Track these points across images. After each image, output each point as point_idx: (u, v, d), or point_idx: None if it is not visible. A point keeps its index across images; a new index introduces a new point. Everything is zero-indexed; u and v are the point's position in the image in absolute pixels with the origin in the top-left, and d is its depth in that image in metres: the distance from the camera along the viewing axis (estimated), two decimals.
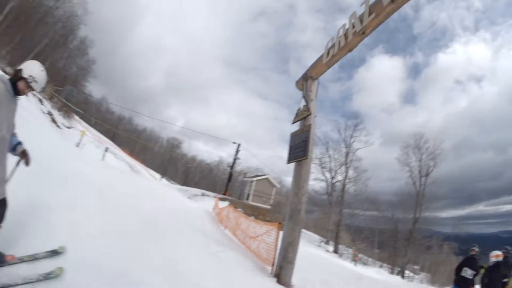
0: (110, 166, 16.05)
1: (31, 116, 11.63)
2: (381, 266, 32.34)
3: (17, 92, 2.82)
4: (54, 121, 27.50)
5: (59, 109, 37.81)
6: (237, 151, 33.00)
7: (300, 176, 6.47)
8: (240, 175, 41.11)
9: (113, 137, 65.27)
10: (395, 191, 38.47)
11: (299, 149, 6.56)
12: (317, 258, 14.85)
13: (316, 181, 37.24)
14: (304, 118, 6.74)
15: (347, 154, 36.53)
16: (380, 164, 71.77)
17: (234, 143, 33.74)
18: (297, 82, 7.47)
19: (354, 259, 26.87)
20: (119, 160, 37.42)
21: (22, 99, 3.14)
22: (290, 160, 6.89)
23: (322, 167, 36.83)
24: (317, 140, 35.36)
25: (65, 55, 52.69)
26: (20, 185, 3.60)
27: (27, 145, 3.10)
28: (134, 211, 6.68)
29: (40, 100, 28.34)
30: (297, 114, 6.98)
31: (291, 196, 6.70)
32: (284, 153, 7.18)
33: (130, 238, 4.81)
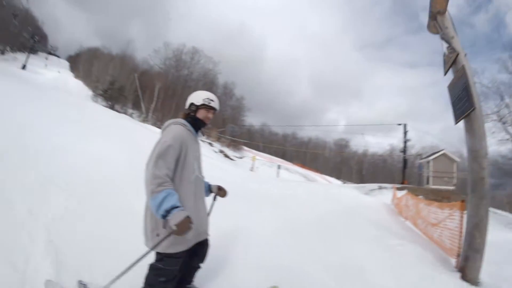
0: (284, 180, 17.34)
1: (207, 157, 14.49)
2: None
3: (197, 128, 2.67)
4: (226, 156, 32.16)
5: (228, 146, 45.70)
6: (405, 133, 29.67)
7: (473, 135, 4.94)
8: (416, 158, 37.02)
9: (283, 155, 71.90)
10: None
11: (462, 101, 5.11)
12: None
13: (500, 144, 27.69)
14: (454, 62, 5.26)
15: None
16: None
17: (399, 124, 30.51)
18: (428, 27, 6.03)
19: None
20: (292, 174, 40.18)
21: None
22: (457, 118, 5.38)
23: (503, 123, 26.76)
24: (486, 90, 27.05)
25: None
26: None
27: (211, 178, 3.22)
28: (307, 215, 7.36)
29: (210, 144, 34.45)
30: (444, 62, 5.57)
31: (468, 163, 5.18)
32: None
33: (301, 239, 5.33)
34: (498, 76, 28.84)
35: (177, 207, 2.10)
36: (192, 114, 2.63)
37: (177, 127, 2.49)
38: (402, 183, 27.68)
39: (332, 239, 5.58)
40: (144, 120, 37.76)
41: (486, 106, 26.21)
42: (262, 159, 43.03)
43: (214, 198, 3.13)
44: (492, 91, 26.98)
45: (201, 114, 2.64)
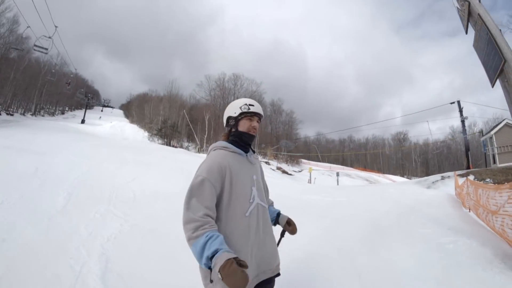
0: (342, 187, 17.02)
1: (267, 175, 14.36)
2: None
3: (244, 145, 2.11)
4: (284, 172, 32.57)
5: (286, 162, 46.23)
6: (460, 111, 26.71)
7: None
8: (480, 136, 33.34)
9: (342, 161, 70.81)
10: None
11: (491, 58, 4.39)
12: None
13: None
14: (469, 13, 4.71)
15: None
16: None
17: (452, 103, 27.60)
18: None
19: None
20: (354, 179, 39.27)
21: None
22: (491, 79, 4.73)
23: None
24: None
25: (267, 123, 67.56)
26: None
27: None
28: (359, 218, 7.11)
29: (267, 162, 35.19)
30: (461, 18, 5.17)
31: None
32: None
33: (342, 242, 5.16)
34: None
35: (220, 249, 1.60)
36: (233, 130, 2.13)
37: (215, 153, 2.02)
38: (468, 167, 25.15)
39: (381, 242, 5.25)
40: (199, 151, 39.56)
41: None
42: (322, 168, 42.66)
43: (282, 235, 2.45)
44: None
45: (243, 126, 2.10)
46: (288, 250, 3.67)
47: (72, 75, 39.12)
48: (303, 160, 57.99)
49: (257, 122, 2.14)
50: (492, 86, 4.92)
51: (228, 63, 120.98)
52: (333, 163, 64.00)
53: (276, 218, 2.41)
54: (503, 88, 4.51)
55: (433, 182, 20.65)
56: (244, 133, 2.09)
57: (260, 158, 45.12)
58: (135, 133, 45.90)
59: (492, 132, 25.06)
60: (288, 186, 13.12)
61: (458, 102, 27.41)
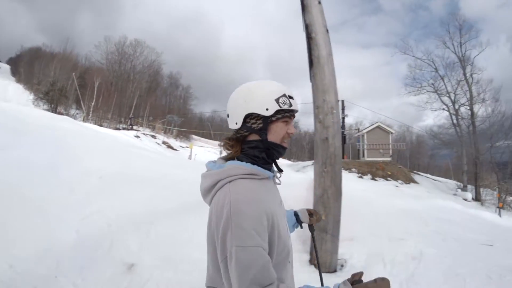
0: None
1: (150, 151, 15.34)
2: None
3: (271, 162, 1.29)
4: (170, 147, 32.40)
5: (175, 137, 45.77)
6: (343, 109, 30.55)
7: (317, 88, 4.06)
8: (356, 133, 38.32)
9: None
10: None
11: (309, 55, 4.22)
12: (437, 211, 11.19)
13: (436, 114, 30.39)
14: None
15: (463, 68, 27.76)
16: None
17: (338, 101, 31.81)
18: None
19: (498, 207, 19.13)
20: None
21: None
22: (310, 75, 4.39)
23: (438, 94, 29.23)
24: (420, 63, 29.93)
25: (160, 94, 65.36)
26: None
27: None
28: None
29: (153, 136, 34.47)
30: None
31: (314, 124, 4.26)
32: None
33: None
34: (436, 51, 31.41)
35: None
36: (257, 138, 1.23)
37: (243, 189, 1.12)
38: (343, 157, 28.46)
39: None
40: (85, 119, 37.00)
41: (422, 79, 30.42)
42: (210, 146, 43.57)
43: (312, 230, 1.94)
44: (426, 63, 29.65)
45: (276, 133, 1.22)
46: None
47: None
48: (195, 137, 57.96)
49: (293, 116, 1.27)
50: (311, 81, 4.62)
51: (139, 24, 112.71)
52: None
53: (297, 219, 1.82)
54: (312, 82, 4.40)
55: (303, 167, 22.77)
56: (277, 145, 1.23)
57: (147, 131, 43.96)
58: (19, 95, 40.61)
59: (364, 131, 29.22)
60: (162, 160, 13.05)
61: (342, 101, 31.01)
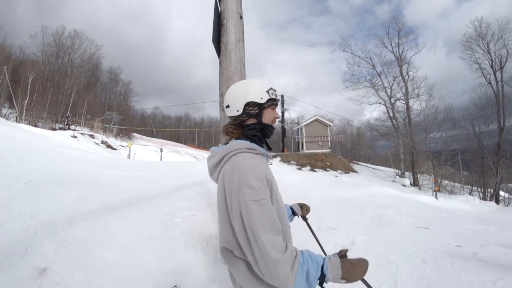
0: (165, 163, 17.11)
1: (86, 152, 15.44)
2: (470, 193, 26.10)
3: (264, 141, 1.64)
4: (109, 146, 31.09)
5: (116, 135, 43.67)
6: (282, 103, 31.94)
7: (221, 75, 3.86)
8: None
9: (177, 138, 70.78)
10: (474, 101, 31.35)
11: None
12: (375, 198, 11.91)
13: (374, 108, 35.37)
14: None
15: (400, 66, 31.19)
16: (452, 76, 64.82)
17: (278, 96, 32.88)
18: None
19: (434, 190, 20.79)
20: (181, 155, 39.89)
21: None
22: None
23: (376, 89, 32.02)
24: (358, 60, 32.79)
25: (99, 91, 61.74)
26: None
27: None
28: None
29: (91, 136, 32.93)
30: None
31: (219, 113, 3.97)
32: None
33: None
34: (374, 49, 36.28)
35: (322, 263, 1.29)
36: (254, 121, 1.59)
37: (248, 158, 1.42)
38: (283, 151, 30.01)
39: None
40: (17, 120, 34.21)
41: (360, 75, 33.39)
42: (152, 144, 42.43)
43: (305, 220, 2.37)
44: (365, 60, 32.74)
45: (268, 117, 1.62)
46: None
47: None
48: (136, 135, 56.07)
49: (276, 105, 1.69)
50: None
51: (80, 12, 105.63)
52: (168, 139, 63.99)
53: (292, 212, 2.24)
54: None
55: None
56: (269, 126, 1.62)
57: (86, 130, 41.89)
58: None
59: (303, 124, 30.56)
60: (92, 159, 12.58)
61: (282, 96, 32.51)
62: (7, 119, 28.39)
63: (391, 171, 32.38)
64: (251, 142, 1.50)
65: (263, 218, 1.25)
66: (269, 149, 1.71)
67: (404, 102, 31.22)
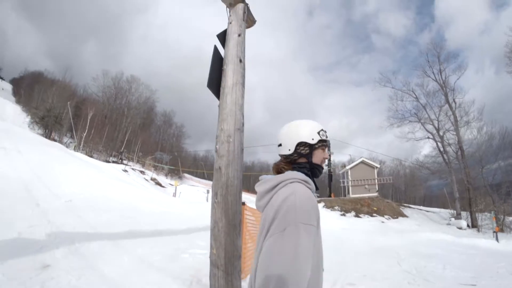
0: (208, 204, 17.75)
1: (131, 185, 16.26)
2: None
3: (317, 177, 1.57)
4: (158, 183, 32.22)
5: (166, 174, 45.52)
6: (328, 147, 30.31)
7: (218, 119, 3.80)
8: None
9: None
10: None
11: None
12: (421, 246, 10.40)
13: (422, 143, 29.81)
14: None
15: (445, 94, 27.40)
16: (505, 95, 59.20)
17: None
18: None
19: (495, 231, 16.96)
20: None
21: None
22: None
23: (422, 122, 28.31)
24: (401, 93, 29.74)
25: (153, 131, 65.89)
26: None
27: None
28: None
29: (142, 172, 34.54)
30: None
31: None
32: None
33: None
34: (416, 80, 31.21)
35: None
36: (304, 161, 1.54)
37: (304, 188, 1.33)
38: (329, 196, 28.27)
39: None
40: (76, 149, 37.07)
41: (404, 110, 29.69)
42: (201, 185, 43.23)
43: None
44: (407, 93, 29.42)
45: (318, 158, 1.56)
46: None
47: None
48: (187, 175, 57.68)
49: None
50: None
51: (139, 59, 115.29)
52: None
53: None
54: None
55: None
56: (319, 165, 1.55)
57: (138, 166, 43.91)
58: (16, 116, 41.25)
59: (348, 167, 28.53)
60: (139, 194, 13.39)
61: (325, 133, 31.03)
62: (67, 147, 30.75)
63: (445, 212, 27.29)
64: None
65: (308, 246, 1.12)
66: (317, 188, 1.54)
67: (454, 133, 26.78)
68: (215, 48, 3.89)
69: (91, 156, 34.78)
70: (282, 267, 1.06)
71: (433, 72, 28.74)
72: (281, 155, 1.59)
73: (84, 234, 5.13)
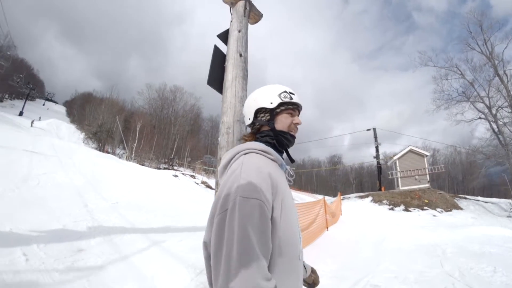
0: None
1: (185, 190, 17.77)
2: None
3: (281, 151, 1.40)
4: (208, 186, 33.21)
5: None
6: (375, 138, 28.89)
7: (221, 112, 3.89)
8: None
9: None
10: None
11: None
12: (472, 243, 8.81)
13: (473, 125, 25.43)
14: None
15: (494, 66, 23.68)
16: None
17: (368, 130, 29.92)
18: None
19: None
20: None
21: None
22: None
23: (471, 101, 25.03)
24: (445, 71, 26.12)
25: (202, 137, 68.74)
26: None
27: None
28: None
29: (192, 176, 35.85)
30: None
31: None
32: None
33: None
34: (459, 55, 27.20)
35: None
36: (266, 128, 1.39)
37: (254, 158, 1.20)
38: (380, 189, 26.73)
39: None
40: (127, 158, 39.39)
41: (451, 90, 26.35)
42: None
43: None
44: (451, 70, 26.31)
45: (283, 123, 1.38)
46: None
47: (8, 53, 33.23)
48: None
49: (299, 110, 1.45)
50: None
51: (184, 68, 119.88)
52: None
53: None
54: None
55: (344, 198, 22.32)
56: (285, 132, 1.37)
57: (188, 171, 45.32)
58: (71, 134, 44.97)
59: (396, 157, 26.22)
60: (185, 196, 14.25)
61: (374, 129, 29.22)
62: (119, 158, 33.10)
63: (506, 203, 23.29)
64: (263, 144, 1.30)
65: (253, 222, 0.98)
66: (291, 160, 1.47)
67: (509, 110, 23.47)
68: (215, 47, 4.05)
69: (143, 164, 36.70)
70: (226, 252, 0.94)
71: (477, 44, 25.24)
72: (248, 127, 1.48)
73: (120, 228, 5.90)
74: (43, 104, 73.96)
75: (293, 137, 1.39)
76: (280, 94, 1.36)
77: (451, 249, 8.14)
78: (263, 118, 1.37)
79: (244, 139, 1.42)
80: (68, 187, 8.82)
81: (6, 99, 62.45)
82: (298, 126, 1.41)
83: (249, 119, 1.41)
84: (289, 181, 1.35)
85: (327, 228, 10.47)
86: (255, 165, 1.14)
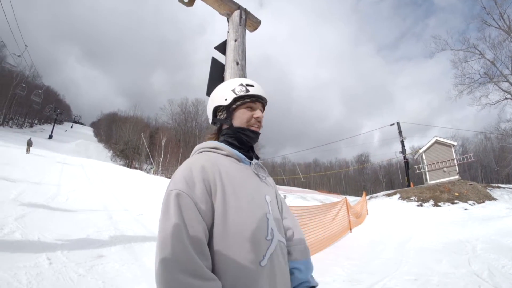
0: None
1: None
2: None
3: (245, 147, 1.34)
4: None
5: None
6: (400, 132, 27.90)
7: None
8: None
9: (308, 185, 72.64)
10: None
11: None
12: (506, 237, 8.06)
13: (499, 107, 23.49)
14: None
15: None
16: None
17: (392, 125, 29.05)
18: None
19: None
20: (308, 201, 39.73)
21: None
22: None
23: (494, 81, 23.21)
24: (465, 54, 24.27)
25: None
26: None
27: None
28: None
29: None
30: None
31: None
32: None
33: None
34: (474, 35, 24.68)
35: None
36: (225, 127, 1.36)
37: (196, 157, 1.21)
38: (408, 185, 25.46)
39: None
40: (155, 173, 40.35)
41: (472, 72, 24.42)
42: (281, 191, 43.71)
43: None
44: (469, 52, 24.53)
45: (240, 119, 1.32)
46: None
47: (40, 91, 37.70)
48: None
49: (261, 108, 1.38)
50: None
51: (201, 82, 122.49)
52: (299, 186, 65.22)
53: None
54: None
55: (371, 197, 21.72)
56: (244, 129, 1.32)
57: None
58: (99, 153, 46.92)
59: (421, 150, 24.84)
60: None
61: (398, 123, 28.30)
62: (147, 173, 34.16)
63: None
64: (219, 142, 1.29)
65: (178, 216, 0.98)
66: (256, 157, 1.39)
67: None
68: (213, 59, 4.18)
69: (169, 178, 37.70)
70: (161, 250, 0.95)
71: (493, 19, 23.39)
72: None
73: (142, 237, 6.18)
74: (71, 127, 78.33)
75: (254, 132, 1.33)
76: (234, 89, 1.31)
77: (482, 245, 7.57)
78: (221, 117, 1.35)
79: (208, 138, 1.39)
80: (95, 202, 9.34)
81: (36, 124, 67.12)
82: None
83: (210, 119, 1.41)
84: (261, 175, 1.32)
85: (351, 229, 10.40)
86: (189, 162, 1.16)
